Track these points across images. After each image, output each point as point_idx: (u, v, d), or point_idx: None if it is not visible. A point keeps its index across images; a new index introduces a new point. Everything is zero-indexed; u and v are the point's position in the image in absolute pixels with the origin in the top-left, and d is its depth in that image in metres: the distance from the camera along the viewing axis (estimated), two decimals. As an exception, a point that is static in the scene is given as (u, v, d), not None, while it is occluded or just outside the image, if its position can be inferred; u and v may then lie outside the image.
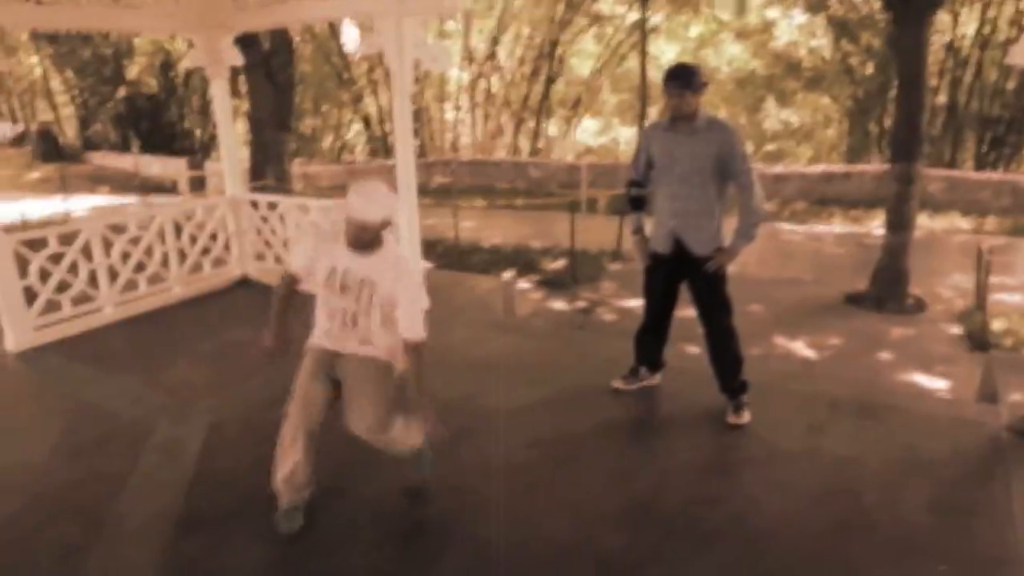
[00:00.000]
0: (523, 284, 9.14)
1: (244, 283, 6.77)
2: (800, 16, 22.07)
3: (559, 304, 8.52)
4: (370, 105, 25.07)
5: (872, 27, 18.64)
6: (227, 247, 6.74)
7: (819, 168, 16.91)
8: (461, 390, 4.25)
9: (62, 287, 5.43)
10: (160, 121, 26.14)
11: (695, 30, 25.37)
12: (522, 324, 6.62)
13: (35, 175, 23.21)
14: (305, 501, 3.00)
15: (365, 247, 2.83)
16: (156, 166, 21.98)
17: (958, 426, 3.77)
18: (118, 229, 5.82)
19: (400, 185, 5.51)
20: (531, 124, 25.83)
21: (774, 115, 27.37)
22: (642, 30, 14.99)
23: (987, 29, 17.16)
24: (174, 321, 5.87)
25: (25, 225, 10.87)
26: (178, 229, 6.26)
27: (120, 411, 4.19)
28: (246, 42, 8.92)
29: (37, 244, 5.30)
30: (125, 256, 5.83)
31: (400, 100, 5.36)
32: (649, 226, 4.00)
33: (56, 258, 5.38)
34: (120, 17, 5.91)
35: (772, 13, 22.55)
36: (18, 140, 30.69)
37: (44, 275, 5.32)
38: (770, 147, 28.09)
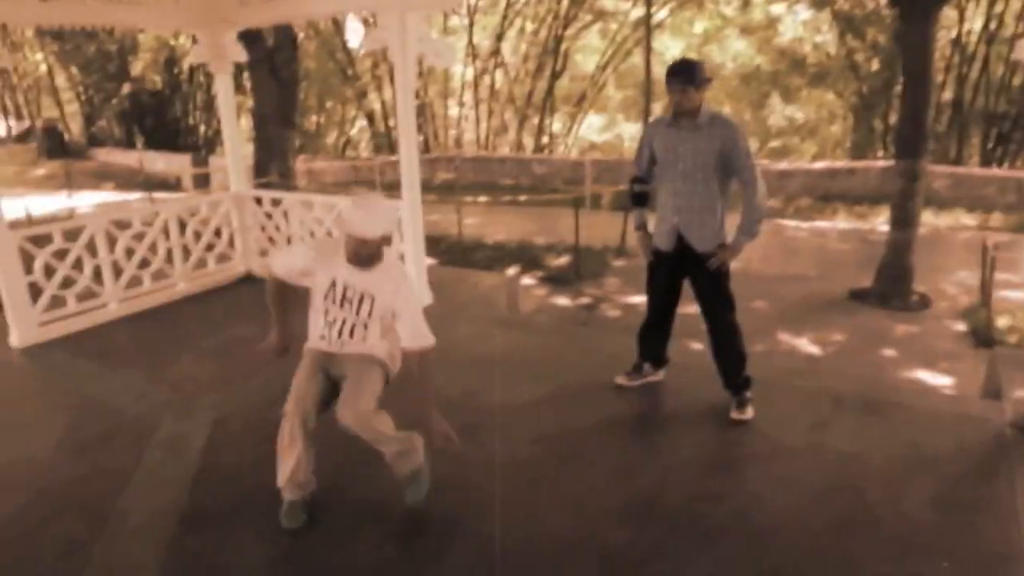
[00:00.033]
0: (527, 280, 9.15)
1: (248, 279, 6.78)
2: (805, 12, 22.01)
3: (563, 300, 8.52)
4: (374, 101, 25.06)
5: (878, 23, 18.57)
6: (231, 243, 6.75)
7: (823, 164, 16.87)
8: (464, 386, 4.25)
9: (67, 283, 5.44)
10: (164, 117, 26.20)
11: (699, 26, 25.30)
12: (526, 320, 6.62)
13: (40, 171, 23.27)
14: (308, 498, 3.01)
15: (365, 262, 2.83)
16: (160, 162, 22.03)
17: (962, 422, 3.76)
18: (122, 225, 5.83)
19: (403, 181, 5.51)
20: (535, 120, 25.78)
21: (779, 111, 27.28)
22: (647, 26, 14.96)
23: (994, 24, 17.08)
24: (178, 317, 5.88)
25: (30, 221, 10.91)
26: (182, 225, 6.27)
27: (124, 407, 4.20)
28: (250, 38, 8.89)
29: (42, 240, 5.32)
30: (129, 252, 5.84)
31: (404, 95, 5.36)
32: (652, 222, 3.99)
33: (61, 254, 5.40)
34: (124, 13, 5.92)
35: (777, 9, 22.48)
36: (23, 136, 30.76)
37: (49, 271, 5.34)
38: (775, 143, 28.01)
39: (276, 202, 6.61)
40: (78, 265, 5.52)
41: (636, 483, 3.32)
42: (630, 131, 29.22)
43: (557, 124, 27.47)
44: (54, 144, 26.19)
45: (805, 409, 3.93)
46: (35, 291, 5.25)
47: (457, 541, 2.92)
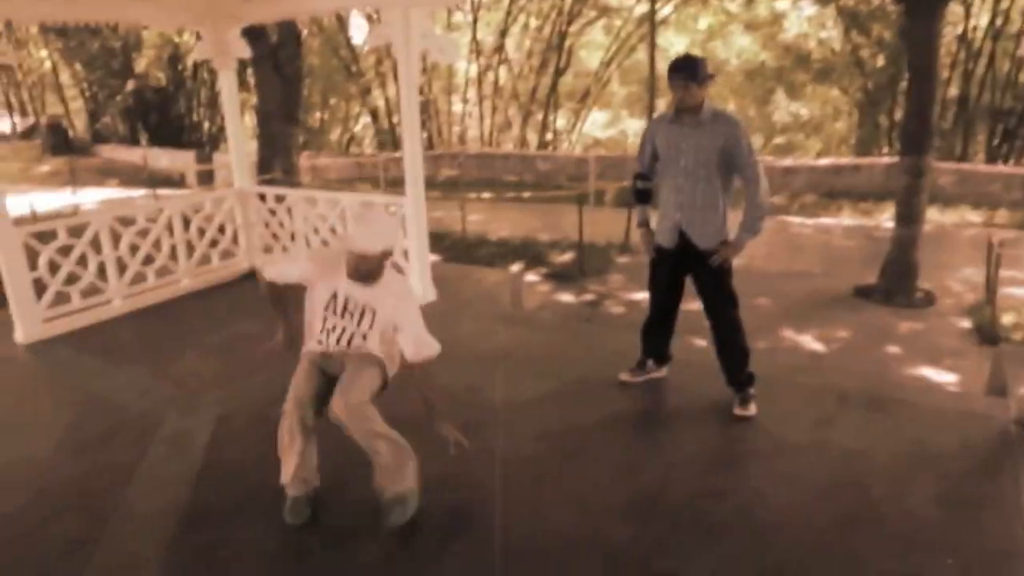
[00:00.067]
0: (531, 277, 9.15)
1: (252, 276, 6.78)
2: (810, 7, 21.93)
3: (566, 297, 8.51)
4: (378, 98, 25.05)
5: (883, 18, 18.50)
6: (235, 240, 6.76)
7: (828, 161, 16.83)
8: (468, 382, 4.25)
9: (71, 279, 5.46)
10: (168, 114, 26.22)
11: (704, 22, 25.23)
12: (529, 317, 6.62)
13: (45, 168, 23.30)
14: (312, 494, 3.02)
15: (365, 278, 2.82)
16: (164, 159, 22.04)
17: (967, 419, 3.75)
18: (126, 222, 5.84)
19: (407, 178, 5.51)
20: (539, 117, 25.76)
21: (783, 107, 27.22)
22: (651, 22, 14.92)
23: (1000, 20, 17.00)
24: (182, 313, 5.89)
25: (35, 217, 10.94)
26: (186, 222, 6.28)
27: (128, 403, 4.21)
28: (253, 34, 8.91)
29: (46, 236, 5.33)
30: (133, 249, 5.85)
31: (407, 92, 5.36)
32: (655, 219, 3.99)
33: (65, 250, 5.41)
34: (128, 9, 5.92)
35: (782, 4, 22.41)
36: (28, 133, 30.82)
37: (53, 267, 5.35)
38: (779, 140, 27.96)
39: (280, 198, 6.62)
40: (82, 261, 5.53)
41: (639, 479, 3.32)
42: (634, 127, 29.17)
43: (561, 120, 27.45)
44: (58, 141, 26.22)
45: (809, 406, 3.92)
46: (39, 287, 5.26)
47: (460, 537, 2.92)
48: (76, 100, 29.91)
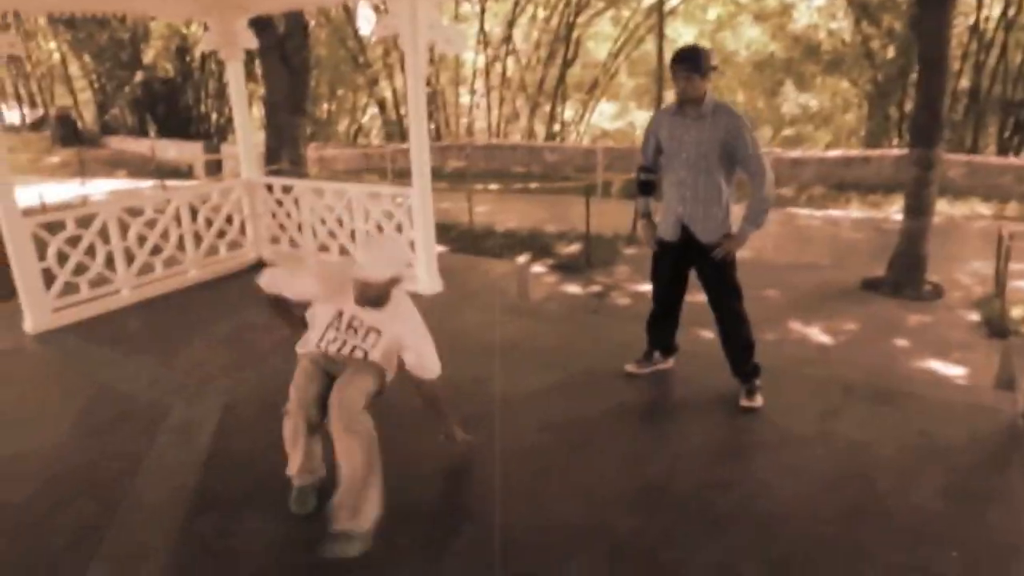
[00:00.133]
0: (537, 268, 9.14)
1: (259, 266, 6.79)
2: (820, -2, 21.77)
3: (573, 288, 8.51)
4: (385, 89, 25.03)
5: (894, 9, 18.34)
6: (242, 230, 6.78)
7: (838, 153, 16.73)
8: (474, 374, 4.25)
9: (79, 269, 5.48)
10: (177, 105, 26.28)
11: (713, 12, 25.08)
12: (536, 308, 6.61)
13: (54, 159, 23.40)
14: (318, 484, 3.03)
15: (372, 303, 2.82)
16: (173, 150, 22.12)
17: (974, 413, 3.73)
18: (135, 212, 5.86)
19: (414, 169, 5.51)
20: (547, 108, 25.69)
21: (792, 99, 27.05)
22: (659, 12, 14.82)
23: (1012, 11, 16.83)
24: (190, 304, 5.91)
25: (44, 208, 10.98)
26: (194, 212, 6.29)
27: (136, 393, 4.23)
28: (261, 25, 8.90)
29: (55, 227, 5.35)
30: (141, 239, 5.87)
31: (414, 82, 5.35)
32: (658, 212, 3.97)
33: (74, 241, 5.43)
34: (136, 1, 5.93)
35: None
36: (37, 124, 30.93)
37: (62, 258, 5.37)
38: (788, 131, 27.80)
39: (287, 189, 6.63)
40: (91, 252, 5.55)
41: (645, 471, 3.32)
42: (642, 119, 29.05)
43: (569, 112, 27.37)
44: (67, 132, 26.33)
45: (815, 398, 3.91)
46: (48, 278, 5.28)
47: (465, 529, 2.93)
48: (85, 91, 29.99)
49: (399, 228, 5.78)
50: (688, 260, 3.87)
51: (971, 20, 17.23)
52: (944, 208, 11.46)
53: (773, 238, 10.21)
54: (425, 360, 2.94)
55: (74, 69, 29.12)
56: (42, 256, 5.23)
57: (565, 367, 4.37)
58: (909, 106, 17.45)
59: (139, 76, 24.73)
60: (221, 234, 6.57)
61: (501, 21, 24.66)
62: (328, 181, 7.22)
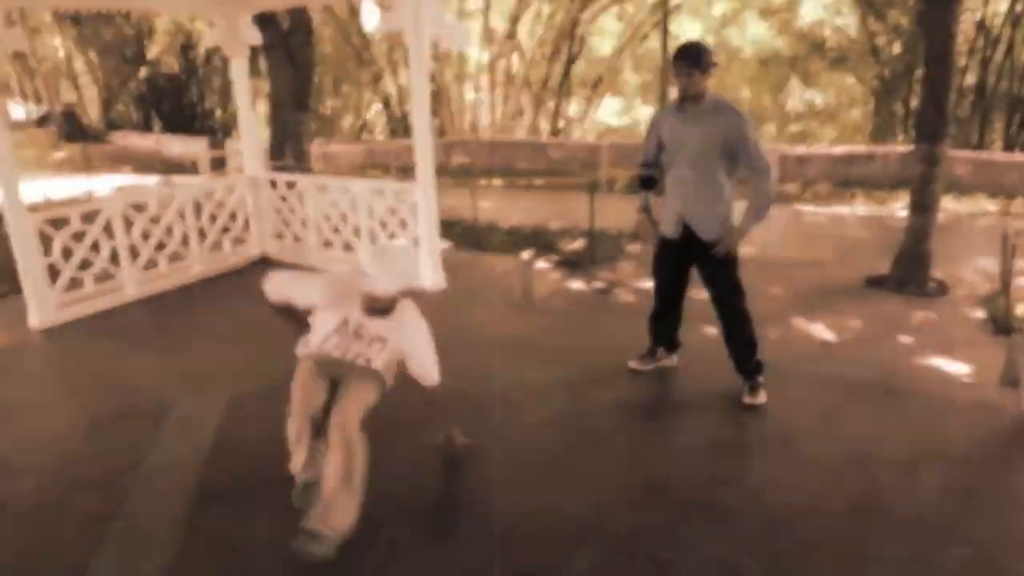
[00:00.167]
0: (541, 264, 9.12)
1: (263, 262, 6.81)
2: (826, -7, 21.68)
3: (577, 284, 8.47)
4: (390, 85, 25.00)
5: (900, 5, 18.25)
6: (246, 226, 6.79)
7: (843, 149, 16.67)
8: (478, 369, 4.26)
9: (84, 265, 5.50)
10: (181, 101, 26.29)
11: (718, 8, 25.00)
12: (540, 304, 6.61)
13: (59, 155, 23.42)
14: (320, 478, 3.03)
15: (379, 312, 2.83)
16: (177, 146, 22.12)
17: (978, 410, 3.73)
18: (139, 208, 5.88)
19: (418, 164, 5.52)
20: (551, 104, 25.66)
21: (798, 95, 26.97)
22: (664, 8, 14.78)
23: (1020, 6, 16.73)
24: (194, 299, 5.93)
25: (49, 204, 11.01)
26: (198, 208, 6.31)
27: (141, 387, 4.26)
28: (265, 21, 8.91)
29: (60, 223, 5.37)
30: (146, 235, 5.89)
31: (418, 79, 5.36)
32: (658, 208, 3.97)
33: (79, 236, 5.45)
34: (140, -4, 5.93)
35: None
36: (43, 120, 30.98)
37: (67, 253, 5.40)
38: (793, 128, 27.71)
39: (291, 185, 6.64)
40: (96, 247, 5.57)
41: (647, 467, 3.32)
42: (647, 115, 28.99)
43: (573, 108, 27.33)
44: (72, 128, 26.37)
45: (819, 395, 3.91)
46: (53, 273, 5.31)
47: (467, 522, 2.94)
48: (90, 88, 30.02)
49: (403, 224, 5.78)
50: (689, 258, 3.87)
51: (978, 16, 17.15)
52: (950, 205, 11.41)
53: (777, 235, 10.18)
54: (426, 369, 2.99)
55: (79, 65, 29.13)
56: (47, 251, 5.26)
57: (568, 363, 4.38)
58: (915, 102, 17.39)
59: (144, 72, 24.76)
60: (225, 230, 6.59)
61: (506, 17, 24.62)
62: (332, 177, 7.22)
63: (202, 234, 6.35)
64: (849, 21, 21.49)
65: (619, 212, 10.86)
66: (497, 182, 14.33)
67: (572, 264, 9.22)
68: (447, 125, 25.09)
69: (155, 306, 5.76)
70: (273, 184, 6.78)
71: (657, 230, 3.96)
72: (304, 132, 12.51)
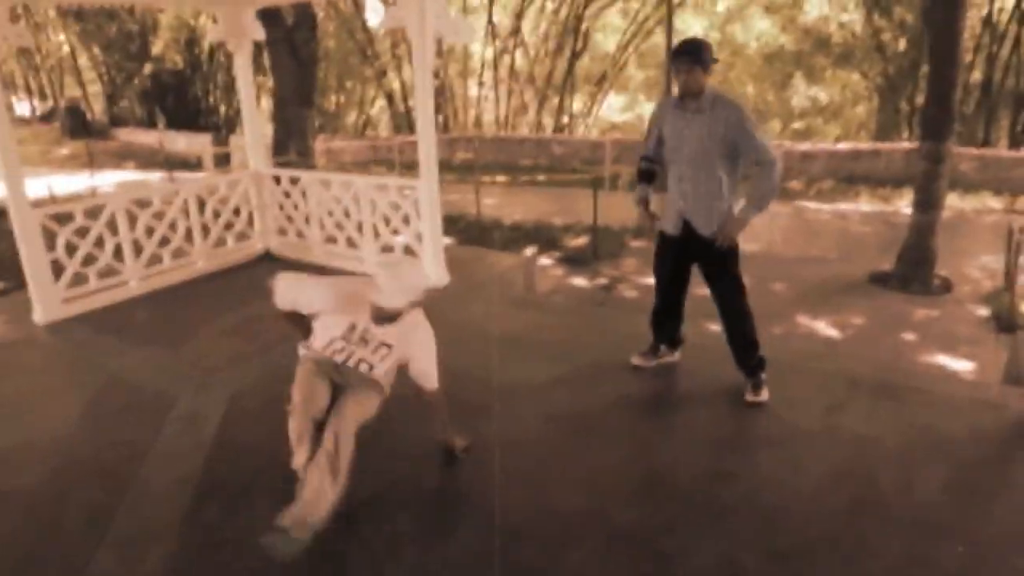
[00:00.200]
0: (544, 261, 9.13)
1: (267, 257, 6.82)
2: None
3: (580, 281, 8.50)
4: (393, 81, 25.01)
5: (906, 1, 18.20)
6: (250, 222, 6.80)
7: (847, 146, 16.64)
8: (480, 365, 4.26)
9: (88, 261, 5.51)
10: (185, 97, 26.32)
11: (722, 4, 24.93)
12: (542, 300, 6.62)
13: (64, 151, 23.48)
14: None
15: (387, 320, 2.84)
16: (181, 142, 22.15)
17: (980, 408, 3.72)
18: (143, 204, 5.89)
19: (421, 160, 5.51)
20: (555, 100, 25.64)
21: (802, 92, 26.91)
22: (668, 4, 14.74)
23: (1025, 3, 16.67)
24: (197, 295, 5.94)
25: (53, 199, 11.04)
26: (202, 204, 6.32)
27: (144, 382, 4.26)
28: (269, 16, 8.91)
29: (64, 218, 5.38)
30: (150, 230, 5.90)
31: (421, 74, 5.34)
32: (657, 202, 3.97)
33: (82, 232, 5.46)
34: (143, -9, 5.93)
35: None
36: (47, 116, 31.06)
37: (71, 249, 5.40)
38: (798, 125, 27.65)
39: (294, 181, 6.64)
40: (99, 243, 5.58)
41: (649, 462, 3.32)
42: (651, 111, 28.97)
43: (577, 104, 27.30)
44: (77, 124, 26.44)
45: (821, 392, 3.90)
46: (57, 269, 5.32)
47: (468, 518, 2.94)
48: (94, 83, 30.08)
49: (406, 220, 5.79)
50: (690, 255, 3.85)
51: (984, 12, 17.08)
52: (954, 202, 11.39)
53: (781, 231, 10.18)
54: (427, 374, 3.02)
55: (83, 61, 29.19)
56: (51, 247, 5.27)
57: (571, 359, 4.38)
58: (920, 99, 17.31)
59: (148, 68, 24.80)
60: (229, 225, 6.59)
61: (510, 13, 24.59)
62: (335, 173, 7.22)
63: (205, 230, 6.35)
64: (854, 17, 21.41)
65: (623, 208, 10.85)
66: (500, 178, 14.32)
67: (575, 260, 9.24)
68: (451, 121, 25.09)
69: (158, 301, 5.77)
70: (277, 180, 6.78)
71: (654, 223, 3.96)
72: (308, 128, 12.52)
